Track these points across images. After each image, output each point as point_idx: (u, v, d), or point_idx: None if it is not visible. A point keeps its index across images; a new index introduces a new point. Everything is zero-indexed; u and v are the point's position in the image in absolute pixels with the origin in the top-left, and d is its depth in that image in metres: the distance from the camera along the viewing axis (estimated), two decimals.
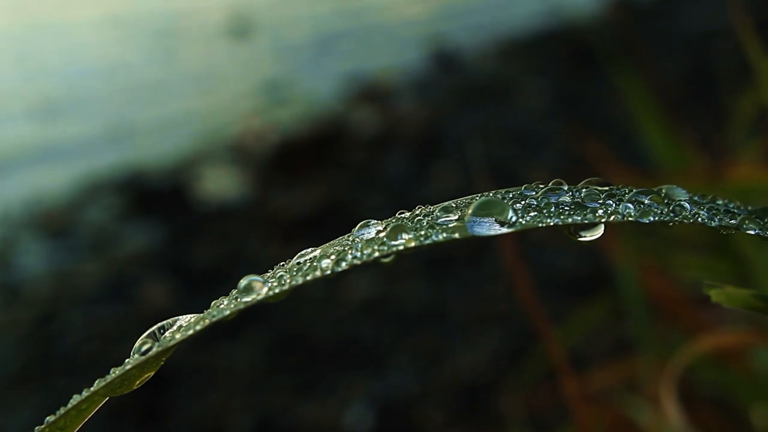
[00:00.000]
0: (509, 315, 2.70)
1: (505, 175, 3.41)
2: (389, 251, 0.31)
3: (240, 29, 5.78)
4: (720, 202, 0.33)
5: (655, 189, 0.33)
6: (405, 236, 0.32)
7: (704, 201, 0.33)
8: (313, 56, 5.40)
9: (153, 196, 3.86)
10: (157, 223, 3.64)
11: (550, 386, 1.77)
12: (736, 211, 0.32)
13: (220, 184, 3.92)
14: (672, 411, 0.85)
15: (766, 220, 0.32)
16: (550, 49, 4.91)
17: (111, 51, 5.80)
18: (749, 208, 0.33)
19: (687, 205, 0.32)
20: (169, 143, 4.34)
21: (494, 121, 4.13)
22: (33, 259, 3.49)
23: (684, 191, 0.33)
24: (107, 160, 4.21)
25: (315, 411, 2.48)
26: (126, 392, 0.33)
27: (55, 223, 3.72)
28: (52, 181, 4.08)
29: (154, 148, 4.32)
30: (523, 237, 2.80)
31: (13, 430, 2.52)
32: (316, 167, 3.92)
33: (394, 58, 5.18)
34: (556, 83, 4.48)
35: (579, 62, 4.54)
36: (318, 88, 4.87)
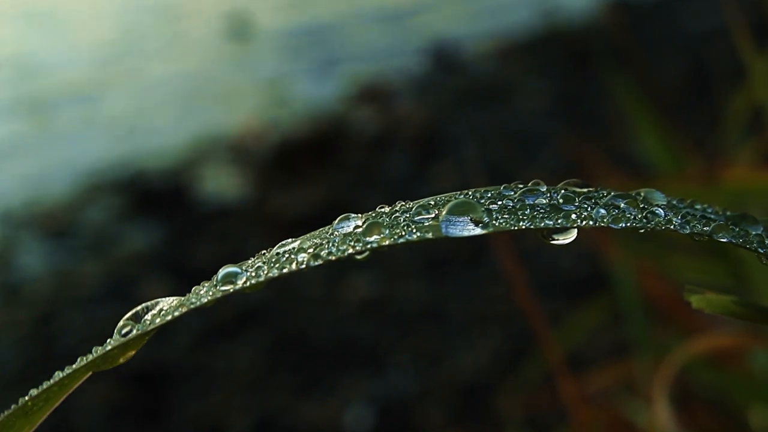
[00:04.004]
0: (509, 315, 2.70)
1: (504, 176, 3.41)
2: (364, 248, 0.32)
3: (239, 29, 5.79)
4: (698, 207, 0.33)
5: (633, 193, 0.33)
6: (380, 234, 0.32)
7: (682, 206, 0.33)
8: (313, 56, 5.41)
9: (153, 196, 3.86)
10: (157, 223, 3.64)
11: (549, 387, 1.77)
12: (712, 217, 0.33)
13: (220, 184, 3.92)
14: (663, 411, 0.86)
15: (741, 227, 0.32)
16: (550, 49, 4.92)
17: (109, 51, 5.81)
18: (728, 213, 0.33)
19: (660, 211, 0.32)
20: (169, 143, 4.35)
21: (493, 122, 4.14)
22: (33, 259, 3.49)
23: (662, 195, 0.33)
24: (107, 160, 4.21)
25: (315, 411, 2.48)
26: (109, 368, 0.34)
27: (55, 223, 3.72)
28: (52, 180, 4.08)
29: (154, 148, 4.32)
30: (521, 237, 2.81)
31: None
32: (315, 167, 3.92)
33: (394, 58, 5.18)
34: (556, 84, 4.48)
35: (578, 63, 4.55)
36: (318, 88, 4.87)
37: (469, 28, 5.49)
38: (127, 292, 3.12)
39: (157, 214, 3.73)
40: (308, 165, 3.94)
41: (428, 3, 6.17)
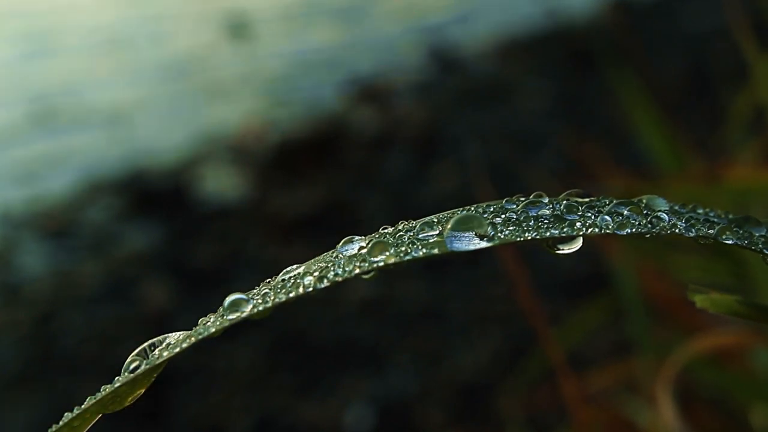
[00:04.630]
0: (509, 315, 2.70)
1: (504, 176, 3.42)
2: (370, 267, 0.32)
3: (240, 29, 5.79)
4: (701, 210, 0.34)
5: (635, 200, 0.34)
6: (386, 252, 0.33)
7: (684, 211, 0.33)
8: (313, 56, 5.41)
9: (153, 196, 3.86)
10: (157, 223, 3.64)
11: (549, 387, 1.77)
12: (716, 220, 0.33)
13: (220, 184, 3.92)
14: (667, 410, 0.85)
15: (745, 229, 0.32)
16: (550, 49, 4.92)
17: (110, 52, 5.81)
18: (731, 216, 0.33)
19: (665, 216, 0.33)
20: (169, 143, 4.35)
21: (494, 122, 4.14)
22: (33, 259, 3.49)
23: (665, 201, 0.33)
24: (107, 161, 4.22)
25: (315, 411, 2.48)
26: (118, 409, 0.34)
27: (55, 223, 3.72)
28: (52, 181, 4.09)
29: (154, 148, 4.32)
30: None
31: (13, 431, 2.53)
32: (316, 167, 3.92)
33: (394, 58, 5.18)
34: (556, 84, 4.48)
35: (579, 63, 4.55)
36: (318, 88, 4.87)
37: (469, 28, 5.49)
38: (127, 292, 3.12)
39: (157, 214, 3.72)
40: (308, 165, 3.94)
41: (428, 3, 6.17)
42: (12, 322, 3.06)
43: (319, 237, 3.33)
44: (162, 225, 3.62)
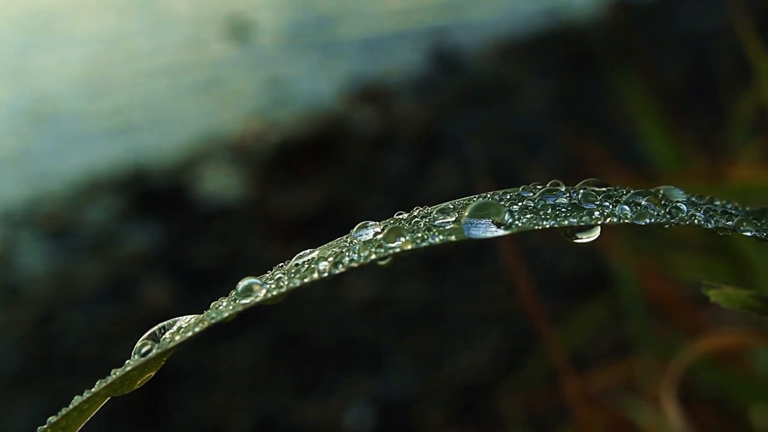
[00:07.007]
0: (509, 315, 2.70)
1: (505, 176, 3.41)
2: (386, 253, 0.31)
3: (240, 29, 5.78)
4: (718, 203, 0.33)
5: (653, 190, 0.33)
6: (402, 238, 0.32)
7: (701, 202, 0.33)
8: (313, 56, 5.41)
9: (153, 196, 3.86)
10: (157, 223, 3.64)
11: (550, 387, 1.77)
12: (733, 212, 0.32)
13: (220, 184, 3.92)
14: (672, 412, 0.85)
15: (763, 222, 0.32)
16: (551, 49, 4.91)
17: (110, 52, 5.81)
18: (747, 209, 0.33)
19: (684, 207, 0.32)
20: (169, 143, 4.34)
21: (494, 122, 4.13)
22: (33, 259, 3.49)
23: (681, 192, 0.33)
24: (107, 161, 4.21)
25: (315, 411, 2.48)
26: (127, 392, 0.33)
27: (55, 223, 3.72)
28: (53, 180, 4.08)
29: (154, 148, 4.32)
30: (522, 237, 2.80)
31: (13, 431, 2.52)
32: (316, 167, 3.92)
33: (394, 58, 5.18)
34: (557, 83, 4.48)
35: (579, 62, 4.54)
36: (318, 88, 4.87)
37: (470, 28, 5.49)
38: (127, 292, 3.12)
39: (157, 214, 3.72)
40: (308, 165, 3.94)
41: (428, 3, 6.17)
42: (12, 322, 3.06)
43: (319, 237, 3.32)
44: (162, 225, 3.61)
